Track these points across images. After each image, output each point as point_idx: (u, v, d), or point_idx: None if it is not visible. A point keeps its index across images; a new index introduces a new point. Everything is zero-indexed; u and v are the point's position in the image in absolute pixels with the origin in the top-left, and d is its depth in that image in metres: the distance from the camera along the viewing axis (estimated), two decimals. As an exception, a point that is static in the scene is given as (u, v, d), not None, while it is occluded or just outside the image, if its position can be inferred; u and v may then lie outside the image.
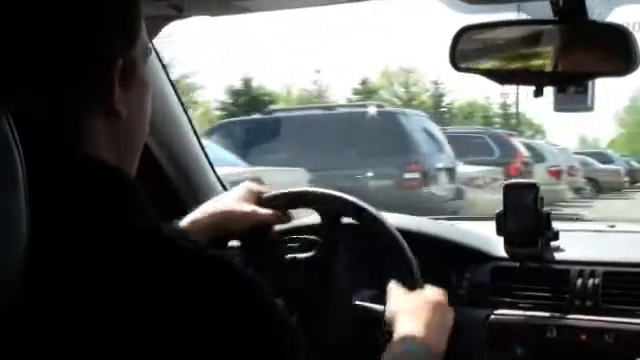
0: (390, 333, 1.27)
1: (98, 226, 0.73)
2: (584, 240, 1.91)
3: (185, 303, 0.72)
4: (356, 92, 34.68)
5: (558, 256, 1.76)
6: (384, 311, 1.38)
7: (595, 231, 2.02)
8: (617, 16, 1.43)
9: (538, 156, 15.04)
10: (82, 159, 0.77)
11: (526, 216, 1.74)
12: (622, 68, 1.27)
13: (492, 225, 1.78)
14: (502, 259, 1.78)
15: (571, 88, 1.41)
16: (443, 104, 41.81)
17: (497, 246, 1.79)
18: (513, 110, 39.21)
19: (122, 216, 0.75)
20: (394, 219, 1.59)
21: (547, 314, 1.69)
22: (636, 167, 27.48)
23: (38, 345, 0.69)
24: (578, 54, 1.33)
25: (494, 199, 4.42)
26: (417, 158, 9.24)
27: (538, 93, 1.36)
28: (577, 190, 17.48)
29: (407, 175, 9.07)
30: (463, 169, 10.38)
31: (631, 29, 1.27)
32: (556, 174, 15.08)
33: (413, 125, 9.76)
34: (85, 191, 0.75)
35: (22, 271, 0.64)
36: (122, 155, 0.84)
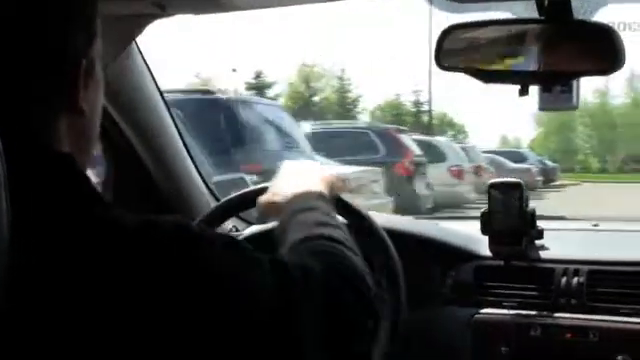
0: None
1: (64, 219, 0.73)
2: (568, 239, 1.92)
3: (148, 283, 0.73)
4: (250, 86, 32.90)
5: (543, 255, 1.77)
6: None
7: (579, 230, 2.03)
8: (602, 15, 1.44)
9: (438, 155, 14.25)
10: (47, 154, 0.78)
11: (511, 215, 1.75)
12: (607, 67, 1.27)
13: (477, 224, 1.79)
14: (486, 258, 1.79)
15: (556, 87, 1.42)
16: (349, 100, 40.85)
17: (482, 245, 1.79)
18: (426, 108, 38.40)
19: (86, 208, 0.76)
20: (380, 218, 1.58)
21: (532, 313, 1.70)
22: (550, 166, 27.03)
23: (20, 344, 0.69)
24: (563, 53, 1.32)
25: (367, 205, 3.80)
26: (256, 156, 7.36)
27: (523, 92, 1.35)
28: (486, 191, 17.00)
29: (240, 176, 6.79)
30: (338, 169, 8.36)
31: (616, 28, 1.28)
32: (458, 174, 14.27)
33: (255, 117, 7.99)
34: (51, 184, 0.76)
35: (5, 272, 0.64)
36: (82, 150, 0.85)
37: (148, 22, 1.50)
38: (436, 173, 12.93)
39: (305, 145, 8.65)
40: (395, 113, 43.01)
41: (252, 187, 1.47)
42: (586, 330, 1.64)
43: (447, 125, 50.32)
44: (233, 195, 1.48)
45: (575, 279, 1.69)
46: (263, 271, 0.83)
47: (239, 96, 8.75)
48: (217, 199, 1.84)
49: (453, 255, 1.82)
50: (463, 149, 16.48)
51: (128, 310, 0.72)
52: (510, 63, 1.35)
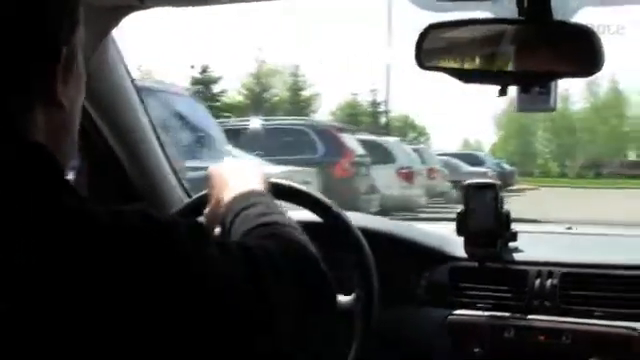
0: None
1: (31, 208, 0.72)
2: (542, 241, 1.93)
3: (116, 276, 0.72)
4: (195, 81, 32.08)
5: (517, 257, 1.78)
6: (350, 301, 1.41)
7: (553, 233, 2.05)
8: (582, 17, 1.45)
9: (386, 156, 13.46)
10: (20, 142, 0.76)
11: (486, 216, 1.75)
12: (587, 69, 1.28)
13: (453, 225, 1.79)
14: (461, 259, 1.79)
15: (535, 88, 1.42)
16: (302, 99, 39.16)
17: (457, 246, 1.80)
18: (384, 108, 37.20)
19: (55, 198, 0.75)
20: (354, 217, 1.58)
21: (506, 314, 1.70)
22: (508, 170, 26.34)
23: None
24: (542, 54, 1.32)
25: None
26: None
27: (502, 92, 1.35)
28: (440, 194, 16.22)
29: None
30: (268, 169, 8.66)
31: (596, 30, 1.28)
32: (407, 176, 13.48)
33: (159, 107, 6.93)
34: (21, 173, 0.74)
35: None
36: (60, 143, 0.83)
37: (125, 14, 1.48)
38: (384, 175, 12.24)
39: (221, 140, 8.13)
40: (350, 113, 41.93)
41: (193, 198, 1.46)
42: (559, 332, 1.65)
43: (409, 127, 49.99)
44: (176, 210, 1.48)
45: (549, 281, 1.70)
46: (232, 255, 0.84)
47: (143, 84, 7.68)
48: (189, 195, 1.83)
49: (428, 256, 1.82)
50: (416, 151, 15.97)
51: (98, 301, 0.70)
52: (489, 63, 1.35)
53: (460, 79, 1.39)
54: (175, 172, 1.85)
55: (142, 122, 1.74)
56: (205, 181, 1.24)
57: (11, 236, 0.69)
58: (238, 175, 1.20)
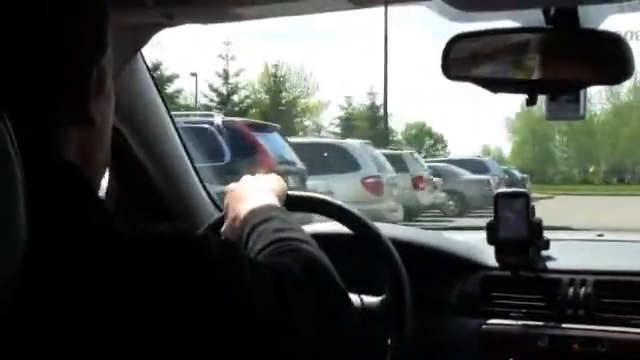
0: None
1: (58, 226, 0.74)
2: (574, 249, 1.92)
3: (139, 292, 0.74)
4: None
5: (549, 265, 1.78)
6: (379, 303, 1.45)
7: (584, 240, 2.04)
8: (609, 24, 1.45)
9: (349, 162, 11.49)
10: (52, 161, 0.79)
11: (517, 225, 1.75)
12: (615, 76, 1.28)
13: (483, 235, 1.79)
14: (493, 268, 1.79)
15: (563, 97, 1.42)
16: (282, 101, 37.13)
17: (488, 255, 1.80)
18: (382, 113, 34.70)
19: (82, 215, 0.76)
20: (385, 228, 1.60)
21: (539, 323, 1.70)
22: (518, 177, 25.04)
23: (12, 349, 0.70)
24: (570, 62, 1.33)
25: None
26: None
27: (531, 102, 1.36)
28: (430, 207, 15.38)
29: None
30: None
31: (624, 37, 1.28)
32: (374, 187, 11.43)
33: None
34: (50, 191, 0.76)
35: (20, 275, 0.65)
36: (91, 160, 0.86)
37: (155, 32, 1.51)
38: (345, 186, 10.22)
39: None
40: (345, 118, 40.67)
41: (215, 217, 1.50)
42: (594, 341, 1.64)
43: (425, 134, 49.16)
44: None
45: (582, 289, 1.70)
46: (261, 272, 0.87)
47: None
48: (220, 209, 1.85)
49: (460, 265, 1.82)
50: (396, 157, 14.27)
51: (122, 318, 0.72)
52: (517, 72, 1.35)
53: (488, 89, 1.40)
54: (205, 187, 1.88)
55: (171, 138, 1.77)
56: (224, 198, 1.27)
57: (37, 255, 0.70)
58: (255, 190, 1.23)
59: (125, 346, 0.72)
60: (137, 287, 0.74)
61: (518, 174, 26.23)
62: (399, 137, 46.89)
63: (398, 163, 14.22)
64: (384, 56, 29.15)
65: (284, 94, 37.55)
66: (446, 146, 49.34)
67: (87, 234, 0.74)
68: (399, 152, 16.39)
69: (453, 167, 19.74)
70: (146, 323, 0.73)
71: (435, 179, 16.29)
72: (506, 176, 22.83)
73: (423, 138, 48.85)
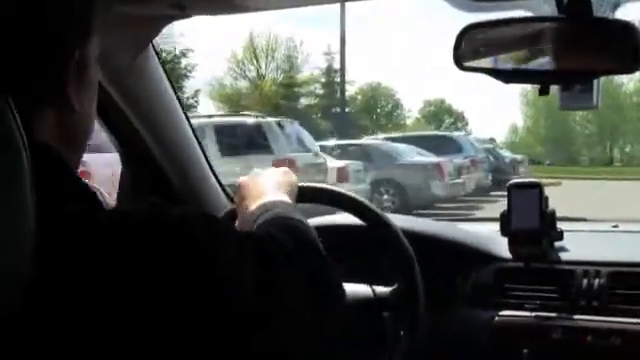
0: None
1: (44, 212, 0.72)
2: (588, 240, 1.94)
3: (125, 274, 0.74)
4: None
5: (563, 256, 1.80)
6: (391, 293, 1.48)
7: (599, 231, 2.06)
8: (623, 13, 1.46)
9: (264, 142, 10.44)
10: (32, 146, 0.76)
11: (530, 216, 1.78)
12: (628, 65, 1.29)
13: (496, 226, 1.82)
14: (506, 260, 1.82)
15: (576, 86, 1.45)
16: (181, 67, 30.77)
17: (501, 246, 1.82)
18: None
19: (61, 202, 0.77)
20: (398, 220, 1.62)
21: (552, 315, 1.72)
22: (507, 160, 19.68)
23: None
24: (583, 52, 1.34)
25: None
26: None
27: (544, 91, 1.38)
28: None
29: None
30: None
31: (637, 25, 1.29)
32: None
33: None
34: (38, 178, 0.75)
35: (27, 269, 0.66)
36: (70, 148, 0.86)
37: (166, 23, 1.54)
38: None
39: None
40: (287, 84, 35.42)
41: (226, 210, 1.53)
42: (608, 333, 1.66)
43: (444, 112, 46.68)
44: None
45: (596, 281, 1.72)
46: (247, 246, 0.88)
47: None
48: (232, 200, 1.89)
49: (473, 257, 1.85)
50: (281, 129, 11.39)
51: (102, 306, 0.72)
52: (529, 62, 1.37)
53: (499, 79, 1.41)
54: (217, 178, 1.91)
55: (184, 129, 1.80)
56: (238, 191, 1.30)
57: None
58: (267, 186, 1.25)
59: (107, 334, 0.72)
60: (118, 273, 0.74)
61: (508, 155, 21.01)
62: (417, 115, 45.21)
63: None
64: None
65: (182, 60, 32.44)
66: (467, 124, 46.46)
67: (64, 223, 0.74)
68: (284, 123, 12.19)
69: (392, 146, 14.76)
70: (130, 310, 0.73)
71: (353, 165, 12.24)
72: (491, 157, 18.20)
73: (442, 116, 46.58)
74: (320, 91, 36.77)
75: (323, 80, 35.93)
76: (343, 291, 1.05)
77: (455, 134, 20.44)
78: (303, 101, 36.38)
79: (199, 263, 0.79)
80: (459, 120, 47.00)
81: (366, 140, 16.95)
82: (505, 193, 1.83)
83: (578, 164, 37.02)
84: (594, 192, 16.59)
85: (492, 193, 15.46)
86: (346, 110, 30.22)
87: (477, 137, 21.31)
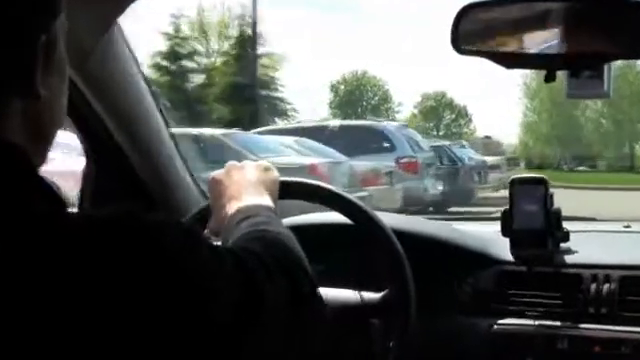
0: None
1: (6, 214, 0.73)
2: (597, 242, 1.92)
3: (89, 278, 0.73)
4: None
5: (569, 259, 1.78)
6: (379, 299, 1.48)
7: (609, 232, 2.04)
8: None
9: None
10: None
11: (534, 215, 1.75)
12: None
13: (497, 226, 1.79)
14: (507, 263, 1.79)
15: (585, 72, 1.42)
16: None
17: (502, 248, 1.80)
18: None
19: (25, 205, 0.76)
20: (390, 219, 1.61)
21: (557, 323, 1.70)
22: (467, 162, 15.48)
23: None
24: (593, 34, 1.33)
25: None
26: None
27: (550, 78, 1.36)
28: None
29: None
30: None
31: None
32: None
33: None
34: None
35: None
36: (38, 140, 0.85)
37: (129, 3, 1.51)
38: None
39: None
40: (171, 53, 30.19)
41: (198, 208, 1.53)
42: (618, 342, 1.65)
43: (444, 107, 44.77)
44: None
45: (605, 286, 1.70)
46: (222, 257, 0.88)
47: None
48: (206, 196, 1.86)
49: (471, 260, 1.83)
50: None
51: (67, 313, 0.71)
52: (534, 45, 1.35)
53: (501, 64, 1.40)
54: (191, 174, 1.88)
55: (153, 117, 1.77)
56: (212, 187, 1.30)
57: None
58: (245, 185, 1.25)
59: (68, 343, 0.71)
60: (84, 279, 0.73)
61: (476, 158, 16.77)
62: (412, 110, 43.56)
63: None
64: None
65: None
66: (471, 121, 44.88)
67: (31, 226, 0.73)
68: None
69: (254, 139, 11.48)
70: (94, 318, 0.72)
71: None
72: (444, 161, 14.87)
73: (442, 111, 45.09)
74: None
75: (234, 52, 30.27)
76: (324, 305, 1.07)
77: (388, 124, 14.88)
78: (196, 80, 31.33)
79: (170, 274, 0.78)
80: (461, 116, 45.42)
81: (213, 131, 11.88)
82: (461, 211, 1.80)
83: (591, 168, 33.66)
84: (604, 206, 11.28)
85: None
86: (262, 93, 27.23)
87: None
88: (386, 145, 12.94)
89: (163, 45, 29.85)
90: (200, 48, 32.35)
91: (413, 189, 12.04)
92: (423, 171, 12.87)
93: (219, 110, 27.09)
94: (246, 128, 13.90)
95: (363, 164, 11.03)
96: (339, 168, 10.27)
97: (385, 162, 11.73)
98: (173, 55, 29.88)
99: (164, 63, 29.56)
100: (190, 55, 31.03)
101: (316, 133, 12.54)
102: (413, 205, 11.09)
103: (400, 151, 12.84)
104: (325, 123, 15.55)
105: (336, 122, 15.42)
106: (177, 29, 30.50)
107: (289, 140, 11.64)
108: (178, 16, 30.40)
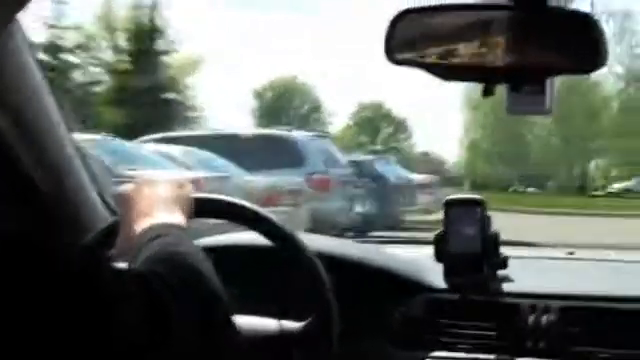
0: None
1: None
2: (538, 269, 1.91)
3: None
4: None
5: (507, 287, 1.75)
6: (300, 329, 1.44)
7: (551, 258, 2.02)
8: (582, 3, 1.41)
9: None
10: None
11: (470, 238, 1.71)
12: (587, 64, 1.24)
13: (430, 249, 1.75)
14: (440, 290, 1.76)
15: (526, 87, 1.38)
16: None
17: (435, 274, 1.76)
18: None
19: None
20: (315, 241, 1.56)
21: (492, 357, 1.67)
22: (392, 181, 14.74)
23: None
24: (536, 47, 1.29)
25: None
26: None
27: (488, 92, 1.33)
28: None
29: None
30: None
31: (599, 19, 1.25)
32: None
33: None
34: None
35: None
36: None
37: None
38: None
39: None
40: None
41: (107, 223, 1.48)
42: None
43: (382, 118, 43.74)
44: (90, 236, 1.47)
45: (545, 317, 1.68)
46: (124, 280, 0.93)
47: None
48: (114, 212, 1.77)
49: (400, 286, 1.78)
50: None
51: None
52: (473, 57, 1.31)
53: (438, 76, 1.36)
54: (98, 186, 1.78)
55: (52, 118, 1.67)
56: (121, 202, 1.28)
57: None
58: (157, 202, 1.24)
59: None
60: None
61: (403, 175, 16.02)
62: (347, 121, 42.41)
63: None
64: None
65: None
66: (410, 136, 44.14)
67: None
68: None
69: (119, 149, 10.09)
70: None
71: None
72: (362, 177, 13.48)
73: (379, 123, 44.06)
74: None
75: (131, 48, 28.06)
76: (238, 333, 1.10)
77: (299, 134, 13.45)
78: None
79: (68, 296, 0.80)
80: (400, 131, 44.60)
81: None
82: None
83: (540, 189, 32.19)
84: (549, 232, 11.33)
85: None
86: (167, 96, 25.57)
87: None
88: (295, 159, 11.79)
89: (42, 35, 26.53)
90: (103, 43, 29.83)
91: (323, 210, 10.97)
92: (337, 190, 11.86)
93: (108, 113, 25.78)
94: (139, 134, 13.05)
95: (265, 180, 10.04)
96: (228, 184, 8.95)
97: (294, 178, 10.83)
98: (53, 48, 26.98)
99: (42, 56, 25.96)
100: (74, 49, 28.26)
101: (223, 143, 11.54)
102: (325, 230, 9.30)
103: (311, 166, 11.82)
104: (235, 132, 13.86)
105: (248, 131, 14.46)
106: (58, 17, 27.21)
107: (176, 151, 10.69)
108: (62, 1, 26.76)
